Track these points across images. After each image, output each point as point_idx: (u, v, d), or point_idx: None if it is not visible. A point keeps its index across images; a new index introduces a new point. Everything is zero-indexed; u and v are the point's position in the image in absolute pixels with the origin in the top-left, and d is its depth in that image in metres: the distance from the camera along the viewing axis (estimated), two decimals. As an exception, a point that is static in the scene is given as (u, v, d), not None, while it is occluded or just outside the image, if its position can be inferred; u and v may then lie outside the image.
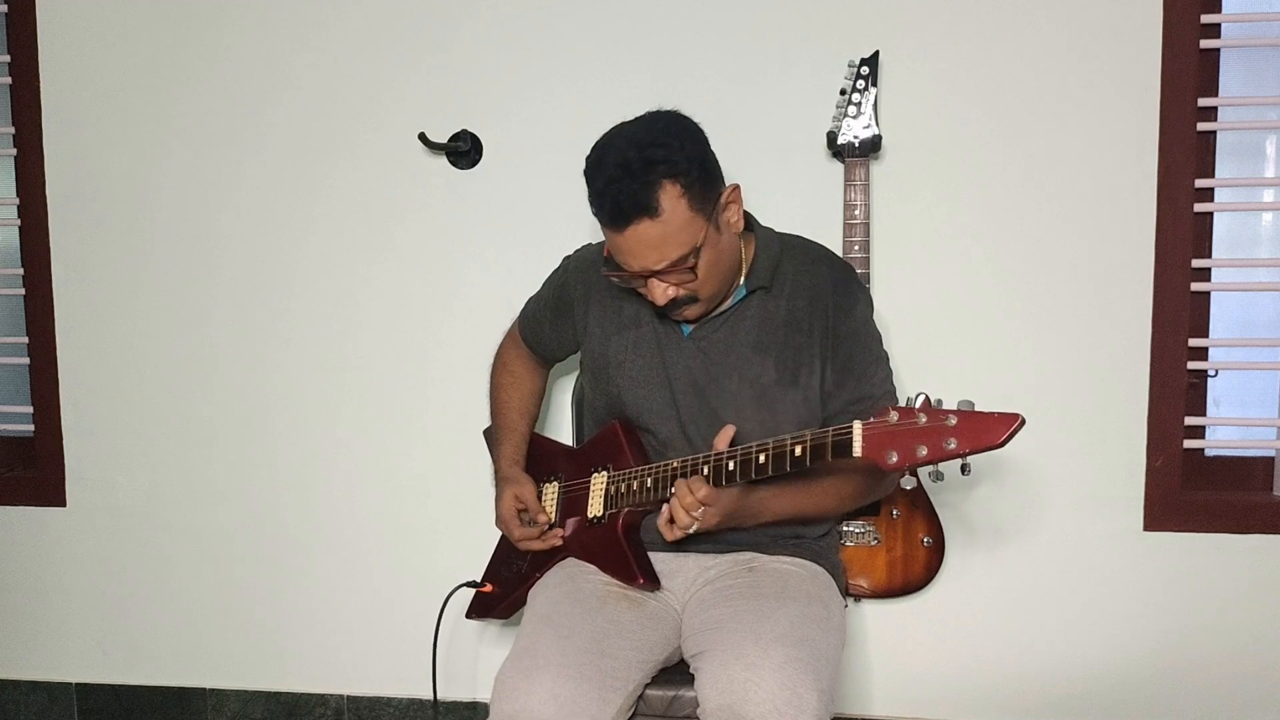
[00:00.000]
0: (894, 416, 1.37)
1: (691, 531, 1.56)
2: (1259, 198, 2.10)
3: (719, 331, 1.66)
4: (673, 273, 1.53)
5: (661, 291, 1.56)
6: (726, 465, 1.53)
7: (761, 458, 1.50)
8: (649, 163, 1.49)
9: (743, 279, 1.65)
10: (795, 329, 1.64)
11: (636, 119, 1.58)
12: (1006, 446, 1.30)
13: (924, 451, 1.33)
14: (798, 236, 1.73)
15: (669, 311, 1.61)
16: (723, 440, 1.56)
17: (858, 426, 1.40)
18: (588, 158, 1.55)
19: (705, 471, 1.55)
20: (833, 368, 1.63)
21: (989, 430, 1.30)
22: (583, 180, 1.54)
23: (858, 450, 1.40)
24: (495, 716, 1.46)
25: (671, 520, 1.56)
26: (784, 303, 1.64)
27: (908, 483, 1.42)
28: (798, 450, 1.47)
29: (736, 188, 1.58)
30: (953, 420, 1.32)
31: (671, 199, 1.49)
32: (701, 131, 1.57)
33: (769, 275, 1.64)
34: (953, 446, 1.32)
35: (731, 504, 1.57)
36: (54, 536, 2.35)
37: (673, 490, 1.56)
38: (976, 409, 1.33)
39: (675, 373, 1.67)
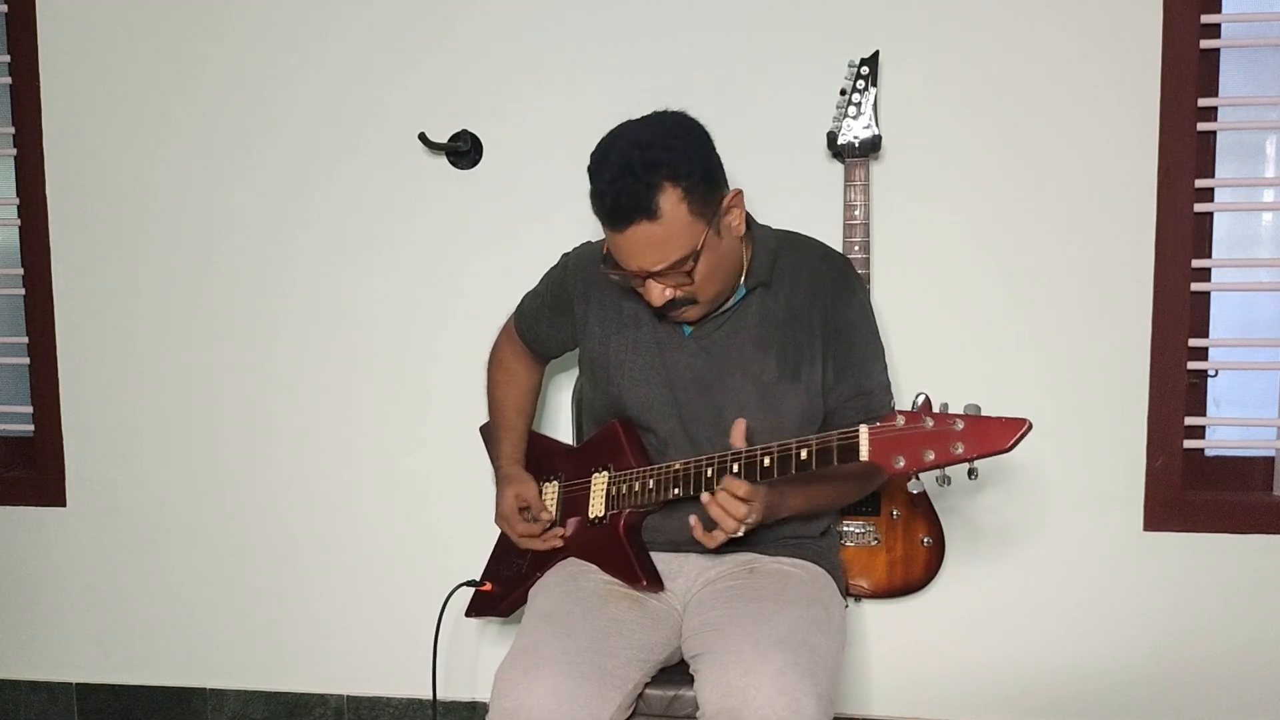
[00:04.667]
0: (901, 421, 1.35)
1: (739, 534, 1.52)
2: (1259, 198, 2.10)
3: (720, 330, 1.65)
4: (670, 275, 1.53)
5: (659, 293, 1.55)
6: (731, 468, 1.53)
7: (766, 461, 1.49)
8: (651, 164, 1.48)
9: (742, 278, 1.64)
10: (795, 324, 1.63)
11: (643, 118, 1.57)
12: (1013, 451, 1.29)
13: (931, 456, 1.33)
14: (792, 232, 1.73)
15: (666, 312, 1.60)
16: (738, 435, 1.53)
17: (864, 431, 1.39)
18: (592, 154, 1.55)
19: (710, 474, 1.54)
20: (833, 361, 1.64)
21: (996, 435, 1.30)
22: (583, 180, 1.54)
23: (864, 455, 1.39)
24: (495, 713, 1.46)
25: (710, 527, 1.53)
26: (783, 298, 1.64)
27: (914, 487, 1.41)
28: (803, 454, 1.46)
29: (739, 193, 1.57)
30: (960, 425, 1.32)
31: (671, 202, 1.48)
32: (707, 134, 1.56)
33: (768, 272, 1.64)
34: (960, 451, 1.32)
35: (768, 498, 1.55)
36: (54, 536, 2.35)
37: (696, 496, 1.54)
38: (983, 413, 1.33)
39: (677, 372, 1.67)
